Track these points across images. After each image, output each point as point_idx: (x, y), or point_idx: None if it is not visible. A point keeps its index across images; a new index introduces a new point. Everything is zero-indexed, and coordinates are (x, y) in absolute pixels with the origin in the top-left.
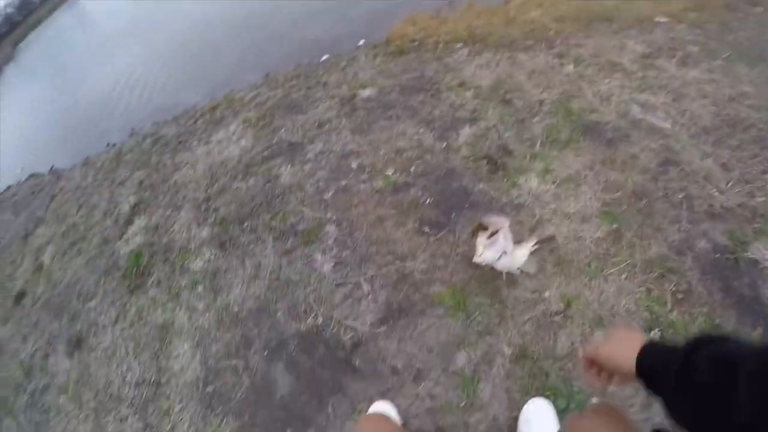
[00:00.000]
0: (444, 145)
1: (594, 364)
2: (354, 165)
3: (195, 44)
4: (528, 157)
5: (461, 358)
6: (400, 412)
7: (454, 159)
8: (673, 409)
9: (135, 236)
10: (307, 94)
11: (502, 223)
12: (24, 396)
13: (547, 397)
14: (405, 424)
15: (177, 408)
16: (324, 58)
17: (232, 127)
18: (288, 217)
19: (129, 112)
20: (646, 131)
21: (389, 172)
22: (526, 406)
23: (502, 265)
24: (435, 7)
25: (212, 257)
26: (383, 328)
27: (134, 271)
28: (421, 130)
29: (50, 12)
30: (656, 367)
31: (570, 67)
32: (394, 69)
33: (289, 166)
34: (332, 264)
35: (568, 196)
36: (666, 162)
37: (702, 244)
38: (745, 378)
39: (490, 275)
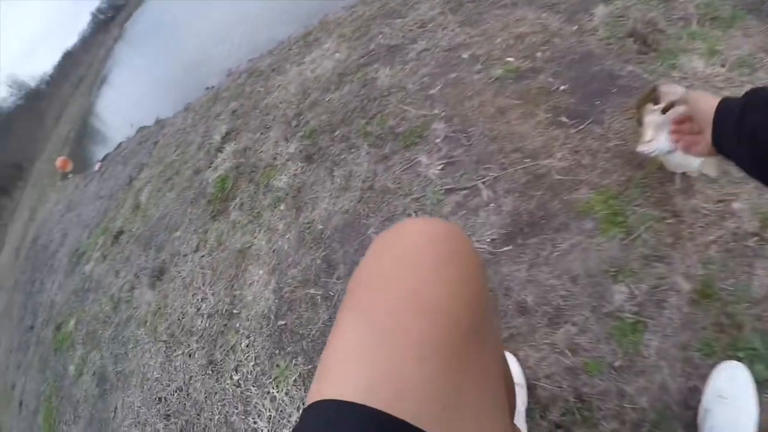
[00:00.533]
0: (575, 27)
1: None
2: (465, 56)
3: None
4: (684, 36)
5: (619, 295)
6: (526, 368)
7: (590, 41)
8: (737, 162)
9: (224, 162)
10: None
11: (682, 93)
12: (110, 329)
13: (739, 359)
14: (530, 388)
15: (244, 344)
16: None
17: (326, 45)
18: (386, 119)
19: (226, 57)
20: None
21: (509, 59)
22: (715, 373)
23: (676, 161)
24: None
25: (298, 171)
26: (508, 248)
27: (219, 196)
28: (544, 14)
29: None
30: (723, 117)
31: None
32: None
33: (387, 68)
34: (440, 166)
35: (744, 82)
36: None
37: None
38: None
39: (656, 178)
